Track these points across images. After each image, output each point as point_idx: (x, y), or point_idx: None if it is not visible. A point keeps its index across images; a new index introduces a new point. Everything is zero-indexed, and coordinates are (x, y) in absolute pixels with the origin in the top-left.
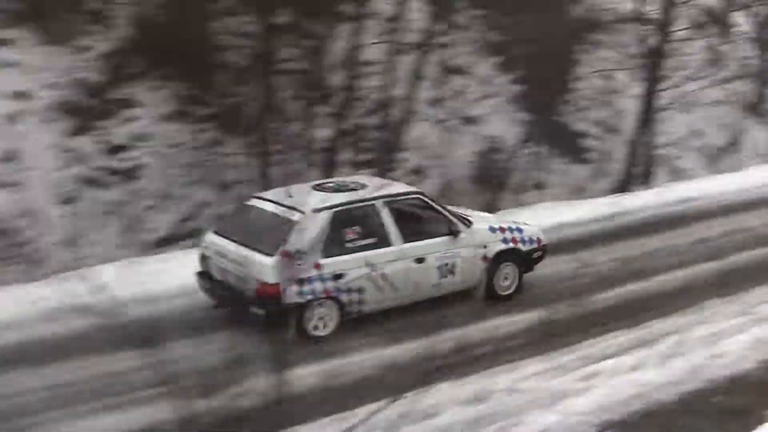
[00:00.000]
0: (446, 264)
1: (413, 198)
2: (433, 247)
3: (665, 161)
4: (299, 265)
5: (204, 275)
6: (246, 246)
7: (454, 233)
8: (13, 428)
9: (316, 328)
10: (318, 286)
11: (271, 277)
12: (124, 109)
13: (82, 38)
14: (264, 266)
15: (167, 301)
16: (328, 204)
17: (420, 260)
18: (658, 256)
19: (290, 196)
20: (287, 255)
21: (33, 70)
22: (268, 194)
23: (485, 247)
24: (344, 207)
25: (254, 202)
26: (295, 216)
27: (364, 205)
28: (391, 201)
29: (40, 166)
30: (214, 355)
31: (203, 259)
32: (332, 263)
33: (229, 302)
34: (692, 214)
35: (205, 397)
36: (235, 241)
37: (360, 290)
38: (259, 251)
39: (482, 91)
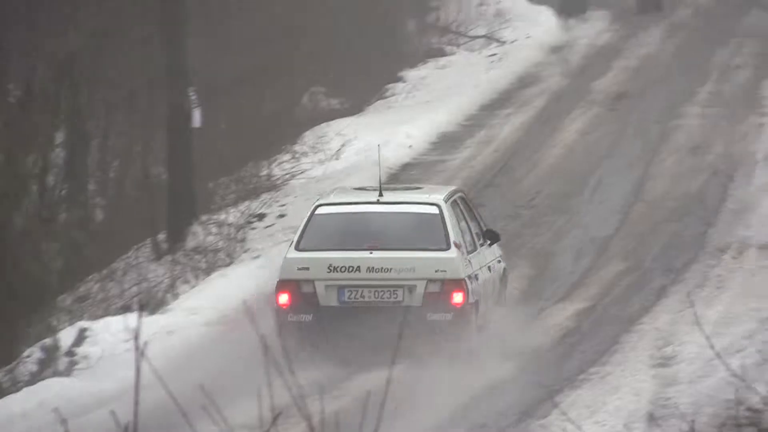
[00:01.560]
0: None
1: (460, 195)
2: (494, 252)
3: None
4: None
5: (302, 308)
6: (393, 249)
7: (493, 237)
8: None
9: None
10: (484, 281)
11: (460, 271)
12: None
13: None
14: (451, 259)
15: None
16: (445, 194)
17: (490, 268)
18: None
19: (381, 194)
20: (459, 247)
21: None
22: (347, 197)
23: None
24: (456, 196)
25: (337, 205)
26: (429, 209)
27: (461, 197)
28: (458, 196)
29: None
30: None
31: (295, 289)
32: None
33: (371, 321)
34: None
35: None
36: (362, 249)
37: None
38: (425, 248)
39: None
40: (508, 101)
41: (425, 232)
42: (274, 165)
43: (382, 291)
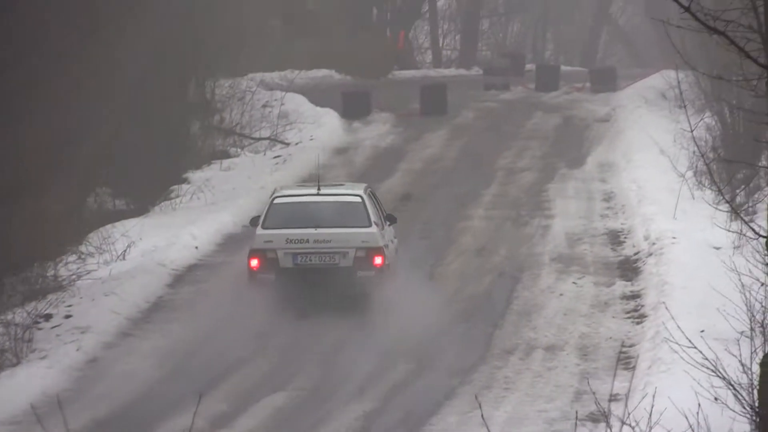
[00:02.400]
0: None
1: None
2: (393, 231)
3: None
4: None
5: (267, 269)
6: (332, 226)
7: (392, 220)
8: None
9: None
10: (391, 250)
11: (379, 241)
12: None
13: None
14: (372, 234)
15: None
16: (362, 188)
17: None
18: None
19: (319, 189)
20: (377, 225)
21: None
22: (295, 191)
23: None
24: (369, 190)
25: (288, 197)
26: (354, 199)
27: (371, 191)
28: (370, 190)
29: None
30: None
31: (261, 256)
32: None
33: (319, 277)
34: None
35: None
36: (308, 226)
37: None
38: (354, 226)
39: None
40: None
41: (353, 215)
42: (60, 265)
43: (324, 256)
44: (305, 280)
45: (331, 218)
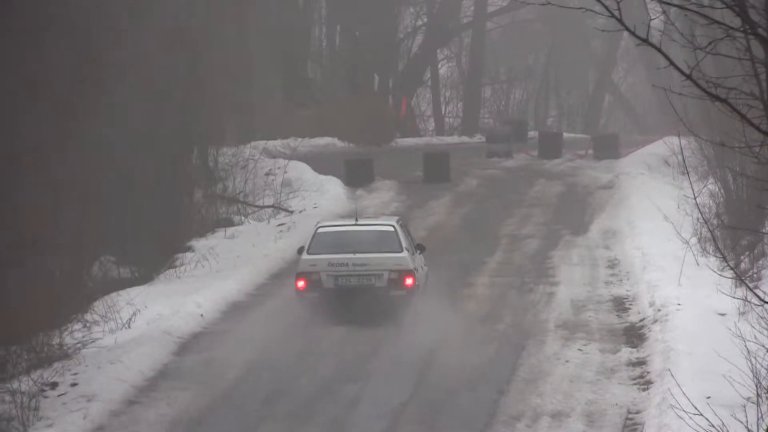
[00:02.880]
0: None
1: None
2: (423, 258)
3: None
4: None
5: (312, 289)
6: (368, 252)
7: (421, 248)
8: None
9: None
10: (421, 274)
11: (409, 265)
12: None
13: None
14: (403, 258)
15: None
16: (395, 220)
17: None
18: None
19: (357, 220)
20: (407, 250)
21: None
22: (336, 222)
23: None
24: (401, 222)
25: (330, 227)
26: (388, 228)
27: (402, 222)
28: (401, 221)
29: None
30: None
31: (307, 278)
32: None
33: (357, 296)
34: None
35: None
36: (348, 252)
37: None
38: (387, 251)
39: None
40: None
41: (386, 242)
42: (65, 334)
43: (361, 278)
44: (345, 299)
45: (367, 245)
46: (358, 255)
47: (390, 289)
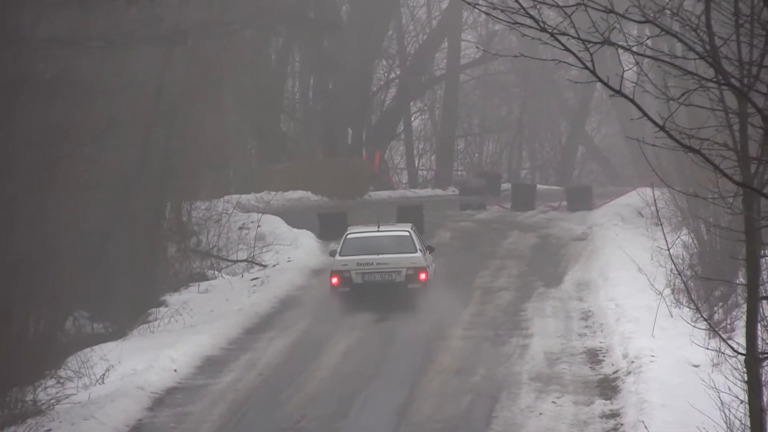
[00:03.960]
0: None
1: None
2: (432, 257)
3: None
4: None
5: (344, 285)
6: (389, 253)
7: (431, 249)
8: None
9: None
10: (432, 270)
11: (423, 263)
12: None
13: None
14: (417, 258)
15: None
16: (409, 226)
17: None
18: None
19: (379, 227)
20: (421, 251)
21: None
22: (361, 228)
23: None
24: (414, 228)
25: (357, 233)
26: (404, 233)
27: (415, 228)
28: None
29: None
30: None
31: (340, 275)
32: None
33: (381, 289)
34: None
35: None
36: (373, 253)
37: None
38: (404, 252)
39: None
40: (271, 325)
41: (403, 244)
42: (39, 389)
43: (384, 274)
44: (371, 292)
45: (387, 247)
46: (380, 256)
47: (408, 282)
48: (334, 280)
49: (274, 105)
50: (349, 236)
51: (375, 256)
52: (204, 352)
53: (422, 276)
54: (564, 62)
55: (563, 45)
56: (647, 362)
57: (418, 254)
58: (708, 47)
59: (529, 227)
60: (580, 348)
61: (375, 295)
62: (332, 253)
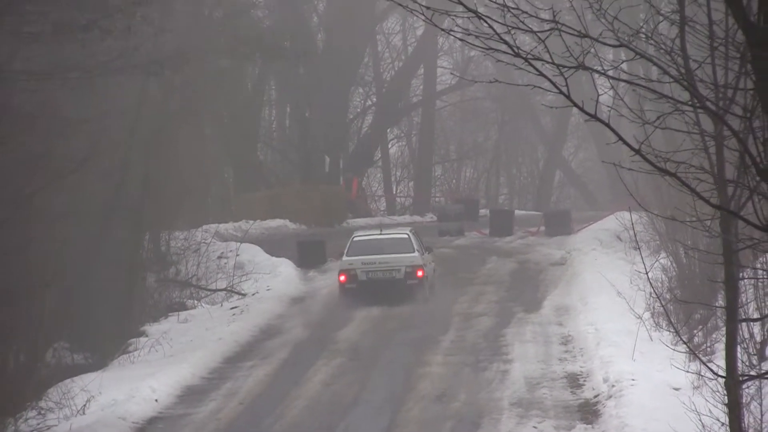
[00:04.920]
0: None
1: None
2: (431, 257)
3: None
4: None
5: (351, 282)
6: (390, 253)
7: (429, 249)
8: None
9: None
10: (429, 268)
11: (420, 262)
12: None
13: None
14: (415, 257)
15: None
16: (409, 229)
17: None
18: None
19: (381, 231)
20: (418, 251)
21: None
22: (366, 232)
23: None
24: (414, 230)
25: (363, 236)
26: (403, 236)
27: (415, 231)
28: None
29: None
30: None
31: (347, 273)
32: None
33: (383, 285)
34: None
35: None
36: (376, 254)
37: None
38: (403, 252)
39: None
40: (251, 353)
41: (403, 246)
42: (20, 421)
43: (386, 272)
44: (374, 287)
45: (389, 248)
46: (382, 256)
47: (406, 279)
48: (342, 278)
49: (251, 133)
50: (355, 239)
51: (378, 256)
52: (185, 381)
53: (419, 273)
54: (539, 87)
55: (537, 70)
56: (628, 386)
57: (416, 254)
58: (683, 70)
59: (507, 253)
60: (561, 373)
61: (378, 290)
62: (340, 255)
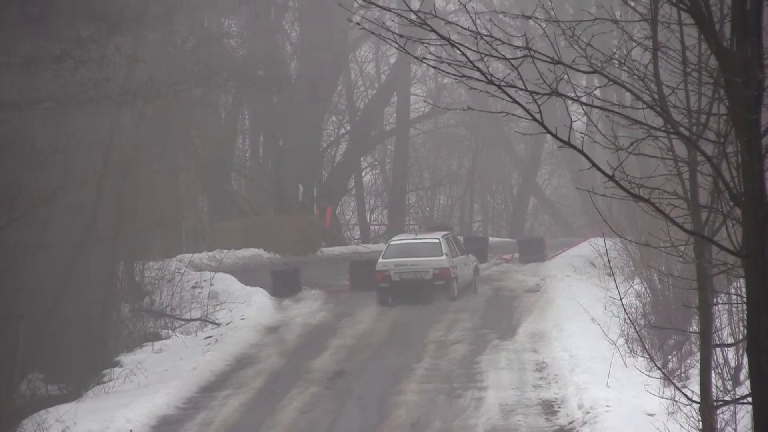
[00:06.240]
0: (474, 267)
1: (451, 235)
2: (471, 258)
3: None
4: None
5: (385, 281)
6: (420, 256)
7: (467, 253)
8: None
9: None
10: (462, 270)
11: (447, 264)
12: None
13: None
14: (443, 260)
15: None
16: (441, 234)
17: (470, 263)
18: None
19: (416, 235)
20: (447, 255)
21: None
22: (403, 236)
23: (474, 261)
24: (447, 234)
25: (399, 240)
26: (434, 240)
27: (450, 236)
28: (449, 235)
29: None
30: None
31: (382, 274)
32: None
33: (413, 285)
34: None
35: None
36: (408, 257)
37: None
38: (433, 256)
39: None
40: (226, 382)
41: (433, 249)
42: None
43: (416, 273)
44: (406, 287)
45: (420, 252)
46: (414, 258)
47: (434, 280)
48: (378, 278)
49: (225, 163)
50: (392, 243)
51: (410, 259)
52: (159, 411)
53: (446, 274)
54: (513, 114)
55: (511, 97)
56: (602, 412)
57: (444, 257)
58: (656, 96)
59: (482, 280)
60: (535, 399)
61: (408, 289)
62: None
